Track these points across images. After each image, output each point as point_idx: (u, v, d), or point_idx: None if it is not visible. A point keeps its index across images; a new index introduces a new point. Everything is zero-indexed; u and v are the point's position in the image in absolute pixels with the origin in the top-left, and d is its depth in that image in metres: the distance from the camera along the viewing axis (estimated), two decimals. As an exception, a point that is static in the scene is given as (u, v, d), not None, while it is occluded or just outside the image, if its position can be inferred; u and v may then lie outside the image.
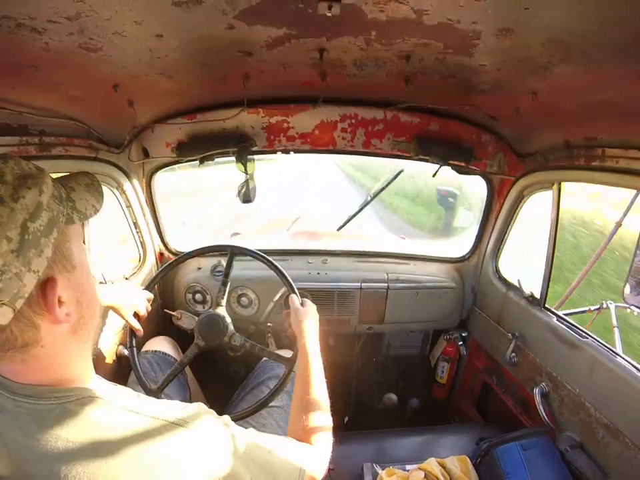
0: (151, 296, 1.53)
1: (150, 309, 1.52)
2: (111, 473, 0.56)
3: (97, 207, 0.66)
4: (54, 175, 0.63)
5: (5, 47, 0.78)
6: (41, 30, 0.73)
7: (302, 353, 1.14)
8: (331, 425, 0.98)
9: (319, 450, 0.91)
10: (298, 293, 1.40)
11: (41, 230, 0.53)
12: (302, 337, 1.18)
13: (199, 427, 0.65)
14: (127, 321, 1.43)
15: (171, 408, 0.66)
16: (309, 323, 1.23)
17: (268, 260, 1.50)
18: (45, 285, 0.55)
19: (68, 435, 0.57)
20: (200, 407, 0.71)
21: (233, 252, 1.55)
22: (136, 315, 1.47)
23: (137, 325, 1.45)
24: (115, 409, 0.61)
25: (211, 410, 0.72)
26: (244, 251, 1.56)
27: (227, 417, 0.73)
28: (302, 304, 1.32)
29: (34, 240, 0.52)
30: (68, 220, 0.59)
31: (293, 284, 1.43)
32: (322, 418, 0.97)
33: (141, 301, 1.48)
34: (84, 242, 1.48)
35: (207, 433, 0.66)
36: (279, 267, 1.48)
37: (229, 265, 1.53)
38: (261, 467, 0.71)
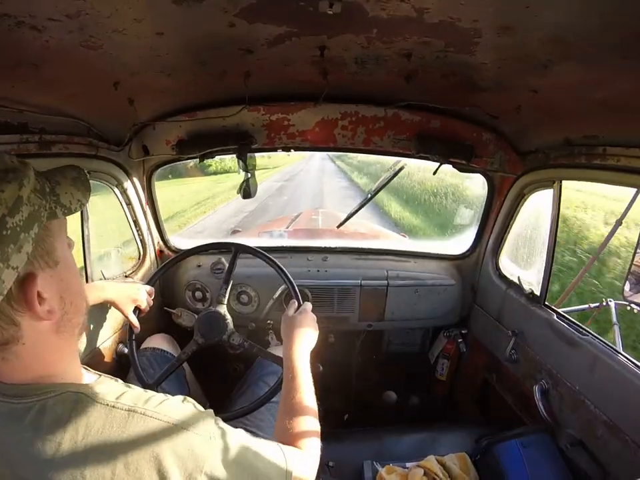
0: (153, 290, 1.54)
1: (152, 303, 1.52)
2: (88, 471, 0.55)
3: (83, 201, 0.64)
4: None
5: (4, 45, 0.78)
6: (41, 28, 0.72)
7: (286, 362, 1.11)
8: (319, 432, 0.96)
9: (307, 454, 0.88)
10: (300, 298, 1.40)
11: (20, 225, 0.52)
12: (288, 345, 1.16)
13: (179, 421, 0.62)
14: (126, 316, 1.44)
15: (151, 399, 0.64)
16: (299, 333, 1.19)
17: (272, 261, 1.51)
18: (25, 282, 0.54)
19: (46, 432, 0.56)
20: (186, 400, 0.69)
21: (237, 250, 1.55)
22: (137, 309, 1.48)
23: (135, 321, 1.45)
24: (89, 402, 0.59)
25: (198, 405, 0.70)
26: (248, 250, 1.57)
27: (211, 412, 0.70)
28: (299, 312, 1.30)
29: (12, 235, 0.51)
30: (50, 215, 0.58)
31: (295, 287, 1.44)
32: (309, 424, 0.94)
33: (143, 295, 1.48)
34: (83, 238, 1.49)
35: (189, 428, 0.63)
36: (283, 268, 1.49)
37: (233, 263, 1.54)
38: (245, 469, 0.68)
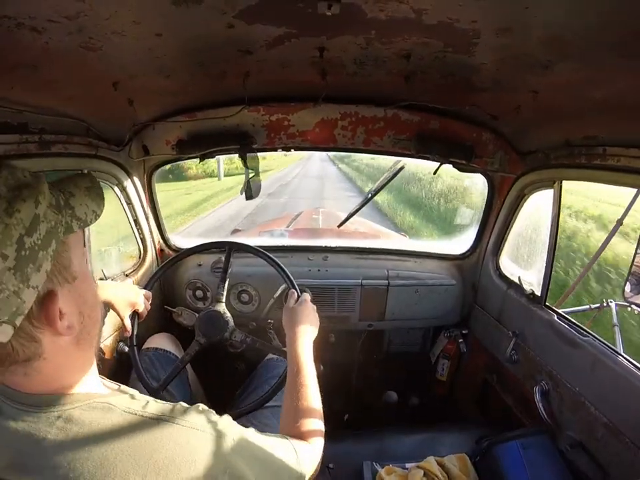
0: (150, 294, 1.53)
1: (149, 307, 1.52)
2: (119, 477, 0.55)
3: (98, 212, 0.63)
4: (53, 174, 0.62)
5: (4, 46, 0.78)
6: (41, 29, 0.73)
7: (290, 353, 1.13)
8: (322, 425, 0.98)
9: (313, 446, 0.91)
10: (298, 289, 1.41)
11: (38, 244, 0.51)
12: (291, 337, 1.18)
13: (203, 428, 0.64)
14: (122, 318, 1.43)
15: (175, 409, 0.65)
16: (301, 324, 1.21)
17: (266, 255, 1.52)
18: (45, 299, 0.53)
19: (72, 441, 0.56)
20: (201, 407, 0.70)
21: (230, 248, 1.57)
22: (135, 312, 1.47)
23: (129, 326, 1.44)
24: (118, 412, 0.60)
25: (212, 410, 0.71)
26: (242, 247, 1.59)
27: (227, 417, 0.72)
28: (299, 303, 1.31)
29: (31, 255, 0.50)
30: (67, 229, 0.57)
31: (292, 279, 1.45)
32: (313, 418, 0.97)
33: (140, 299, 1.47)
34: (83, 238, 1.49)
35: (212, 433, 0.65)
36: (278, 262, 1.50)
37: (227, 261, 1.55)
38: (264, 466, 0.71)
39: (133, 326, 1.46)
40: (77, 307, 0.59)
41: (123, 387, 0.73)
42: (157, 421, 0.61)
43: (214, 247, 1.66)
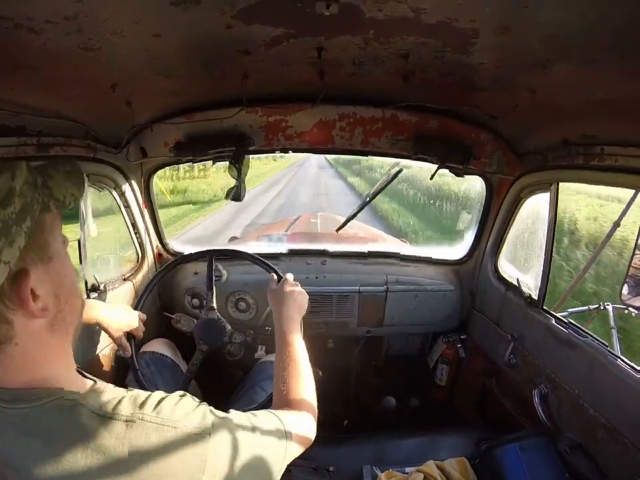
0: (144, 316, 1.53)
1: (144, 328, 1.52)
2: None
3: (77, 195, 0.62)
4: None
5: (2, 47, 0.78)
6: (39, 30, 0.72)
7: (277, 329, 1.15)
8: (313, 395, 0.98)
9: (303, 416, 0.90)
10: (278, 271, 1.45)
11: (12, 217, 0.50)
12: (277, 314, 1.20)
13: (177, 424, 0.61)
14: (114, 340, 1.42)
15: (147, 402, 0.61)
16: (285, 300, 1.23)
17: (242, 253, 1.61)
18: (18, 277, 0.52)
19: (42, 439, 0.54)
20: (180, 393, 0.67)
21: (211, 255, 1.64)
22: (131, 335, 1.46)
23: (128, 347, 1.44)
24: (87, 413, 0.57)
25: (195, 399, 0.68)
26: (222, 252, 1.68)
27: (205, 405, 0.68)
28: (282, 283, 1.32)
29: (4, 228, 0.49)
30: (43, 207, 0.56)
31: (270, 264, 1.50)
32: (301, 387, 0.97)
33: (136, 322, 1.47)
34: (79, 242, 1.48)
35: (187, 429, 0.61)
36: (255, 255, 1.57)
37: (210, 268, 1.63)
38: (246, 450, 0.67)
39: (131, 346, 1.46)
40: (53, 289, 0.58)
41: (99, 382, 0.69)
42: (126, 422, 0.58)
43: (196, 257, 1.72)
